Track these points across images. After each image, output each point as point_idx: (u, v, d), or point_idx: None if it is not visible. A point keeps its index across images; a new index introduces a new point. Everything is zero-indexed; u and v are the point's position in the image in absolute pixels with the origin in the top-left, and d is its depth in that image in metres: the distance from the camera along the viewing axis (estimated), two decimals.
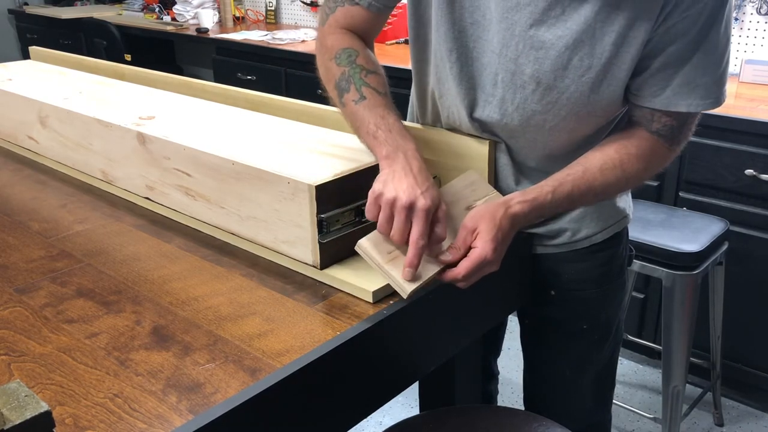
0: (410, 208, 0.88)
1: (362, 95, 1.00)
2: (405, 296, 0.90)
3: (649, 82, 0.96)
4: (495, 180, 1.10)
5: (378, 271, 0.91)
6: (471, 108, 1.05)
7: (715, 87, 0.95)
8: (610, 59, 0.93)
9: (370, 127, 0.97)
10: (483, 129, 1.06)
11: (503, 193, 1.07)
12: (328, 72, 1.06)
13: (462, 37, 1.01)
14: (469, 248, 0.92)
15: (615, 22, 0.91)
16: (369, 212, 0.91)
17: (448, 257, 0.92)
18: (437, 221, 0.90)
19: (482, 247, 0.91)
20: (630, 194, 1.20)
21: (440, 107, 1.11)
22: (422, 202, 0.87)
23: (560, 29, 0.93)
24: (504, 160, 1.08)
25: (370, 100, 0.99)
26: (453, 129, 1.11)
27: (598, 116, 1.00)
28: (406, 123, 1.19)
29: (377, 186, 0.90)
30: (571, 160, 1.02)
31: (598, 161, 1.00)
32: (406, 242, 0.89)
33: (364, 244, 0.91)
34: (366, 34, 1.11)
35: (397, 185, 0.89)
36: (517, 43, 0.96)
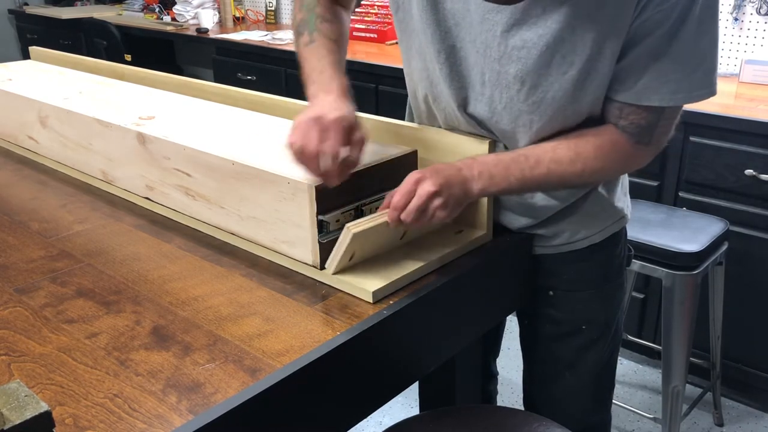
0: (317, 121, 0.90)
1: (312, 39, 1.05)
2: (350, 235, 0.91)
3: (621, 75, 0.96)
4: None
5: (341, 247, 0.94)
6: (464, 106, 1.05)
7: (686, 82, 0.94)
8: (592, 55, 0.93)
9: (307, 69, 1.02)
10: (480, 126, 1.07)
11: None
12: (293, 20, 1.12)
13: (448, 38, 1.01)
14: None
15: (596, 19, 0.91)
16: (288, 139, 0.92)
17: (383, 204, 0.96)
18: (351, 145, 0.91)
19: (409, 176, 0.95)
20: (628, 194, 1.20)
21: (436, 110, 1.11)
22: (330, 116, 0.90)
23: (541, 28, 0.93)
24: None
25: (317, 44, 1.04)
26: (452, 129, 1.11)
27: (584, 115, 1.01)
28: (408, 123, 1.19)
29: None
30: None
31: (552, 141, 1.01)
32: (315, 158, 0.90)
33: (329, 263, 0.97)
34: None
35: (309, 110, 0.93)
36: (499, 44, 0.96)
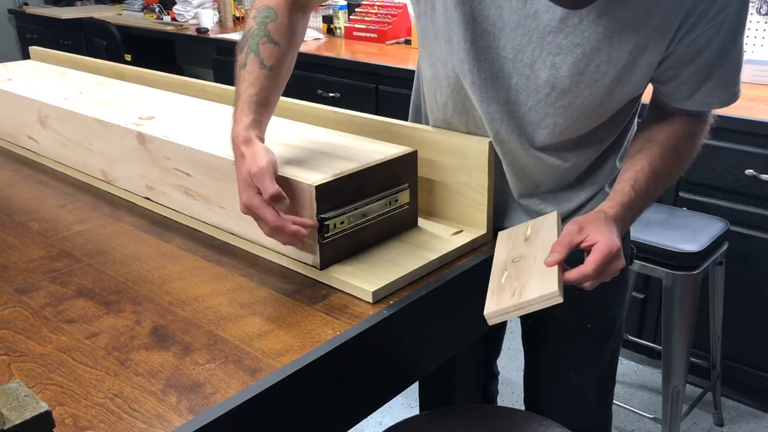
0: (250, 212, 0.92)
1: (245, 63, 1.00)
2: (561, 298, 0.85)
3: (680, 89, 0.99)
4: (495, 176, 1.10)
5: (522, 312, 0.87)
6: (488, 112, 1.04)
7: (739, 83, 1.00)
8: (627, 66, 0.94)
9: (234, 98, 0.99)
10: (500, 129, 1.05)
11: (503, 184, 1.10)
12: (245, 23, 1.06)
13: (472, 49, 1.00)
14: (577, 247, 0.92)
15: (634, 32, 0.92)
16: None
17: (553, 257, 0.90)
18: (259, 187, 0.91)
19: (605, 240, 0.90)
20: None
21: (456, 116, 1.10)
22: (242, 208, 0.92)
23: (578, 37, 0.93)
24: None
25: (246, 71, 0.99)
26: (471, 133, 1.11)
27: (606, 116, 1.02)
28: (408, 123, 1.19)
29: None
30: (570, 151, 1.04)
31: (656, 151, 1.02)
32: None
33: (490, 310, 0.88)
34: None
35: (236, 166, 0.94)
36: (533, 49, 0.96)
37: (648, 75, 0.97)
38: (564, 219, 1.11)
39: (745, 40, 1.01)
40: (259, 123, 0.97)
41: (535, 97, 0.99)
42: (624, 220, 0.98)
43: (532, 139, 1.04)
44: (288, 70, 1.04)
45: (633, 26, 0.91)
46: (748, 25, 2.38)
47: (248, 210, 0.92)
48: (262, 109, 0.98)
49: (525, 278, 0.90)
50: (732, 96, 1.00)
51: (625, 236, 1.18)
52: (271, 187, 0.89)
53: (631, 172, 1.01)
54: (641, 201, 1.00)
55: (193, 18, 3.90)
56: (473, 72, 1.01)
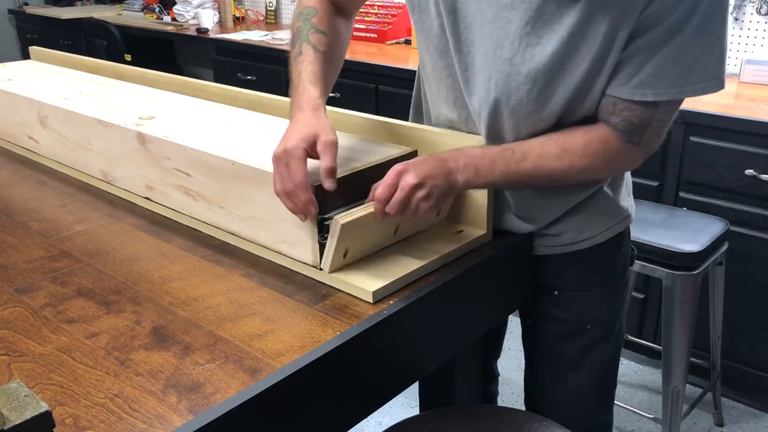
0: (280, 159, 0.91)
1: (300, 51, 1.05)
2: (338, 227, 0.91)
3: (619, 68, 0.95)
4: None
5: (332, 241, 0.94)
6: (475, 109, 1.05)
7: (684, 77, 0.92)
8: (601, 48, 0.93)
9: (291, 86, 1.03)
10: (486, 128, 1.06)
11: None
12: (291, 27, 1.12)
13: (458, 41, 1.00)
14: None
15: (608, 12, 0.91)
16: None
17: (369, 196, 0.95)
18: (322, 155, 0.91)
19: (392, 168, 0.94)
20: (632, 194, 1.20)
21: (456, 111, 1.10)
22: (288, 146, 0.90)
23: (556, 24, 0.92)
24: None
25: (303, 56, 1.04)
26: (455, 128, 1.11)
27: (590, 111, 1.00)
28: (408, 123, 1.19)
29: None
30: None
31: (541, 136, 1.01)
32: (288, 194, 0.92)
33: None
34: (342, 4, 1.15)
35: (280, 141, 0.93)
36: (512, 42, 0.95)
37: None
38: (561, 218, 1.11)
39: (726, 43, 0.94)
40: (324, 98, 1.00)
41: (517, 96, 0.98)
42: (456, 160, 0.97)
43: (519, 137, 1.04)
44: (338, 63, 1.09)
45: (606, 5, 0.90)
46: (748, 24, 2.39)
47: (285, 155, 0.91)
48: (324, 86, 1.02)
49: None
50: (667, 89, 0.93)
51: (625, 236, 1.19)
52: (333, 162, 0.90)
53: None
54: (490, 159, 0.98)
55: (193, 18, 3.90)
56: (461, 65, 1.02)
